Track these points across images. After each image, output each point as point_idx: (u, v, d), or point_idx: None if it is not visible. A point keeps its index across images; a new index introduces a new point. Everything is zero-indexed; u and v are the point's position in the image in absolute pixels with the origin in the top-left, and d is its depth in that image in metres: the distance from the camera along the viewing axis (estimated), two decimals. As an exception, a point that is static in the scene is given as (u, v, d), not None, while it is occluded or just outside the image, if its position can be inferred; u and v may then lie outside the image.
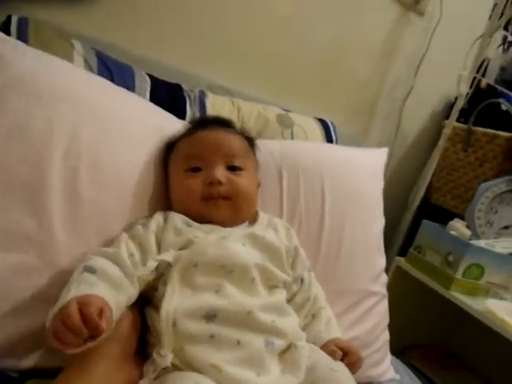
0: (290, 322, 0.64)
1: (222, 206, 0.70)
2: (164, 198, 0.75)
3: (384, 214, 0.99)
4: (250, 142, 0.82)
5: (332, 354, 0.64)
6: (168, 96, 0.98)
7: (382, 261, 0.94)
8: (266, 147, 0.89)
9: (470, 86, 1.50)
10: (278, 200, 0.86)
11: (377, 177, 1.01)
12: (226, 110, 1.04)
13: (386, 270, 0.95)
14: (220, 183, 0.70)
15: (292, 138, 1.09)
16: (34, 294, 0.57)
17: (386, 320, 0.91)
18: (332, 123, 1.24)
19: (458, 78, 1.43)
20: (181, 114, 0.97)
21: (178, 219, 0.68)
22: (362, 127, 1.55)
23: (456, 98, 1.49)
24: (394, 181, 1.58)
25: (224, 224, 0.69)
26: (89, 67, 0.88)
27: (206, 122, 0.80)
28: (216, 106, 1.04)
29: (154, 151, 0.76)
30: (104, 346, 0.50)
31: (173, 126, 0.82)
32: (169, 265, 0.61)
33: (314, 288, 0.75)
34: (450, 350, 1.60)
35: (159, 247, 0.64)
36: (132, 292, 0.57)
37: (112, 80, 0.86)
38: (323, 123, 1.21)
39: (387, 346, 0.90)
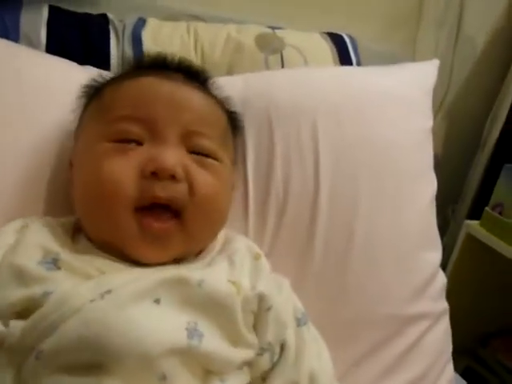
0: None
1: (165, 240, 0.40)
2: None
3: (443, 162, 0.70)
4: (232, 117, 0.51)
5: None
6: (78, 32, 0.67)
7: (432, 257, 0.57)
8: (221, 88, 0.55)
9: None
10: (241, 179, 0.54)
11: (419, 110, 0.63)
12: (176, 41, 0.71)
13: (454, 239, 0.57)
14: (173, 178, 0.39)
15: (283, 67, 0.74)
16: None
17: (448, 350, 0.56)
18: (351, 38, 0.86)
19: None
20: (101, 57, 0.67)
21: (32, 248, 0.39)
22: (404, 40, 1.15)
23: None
24: (456, 110, 1.19)
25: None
26: None
27: (159, 67, 0.48)
28: (159, 37, 0.71)
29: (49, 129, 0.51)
30: None
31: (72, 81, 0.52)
32: None
33: (309, 360, 0.42)
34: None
35: None
36: None
37: None
38: (336, 39, 0.82)
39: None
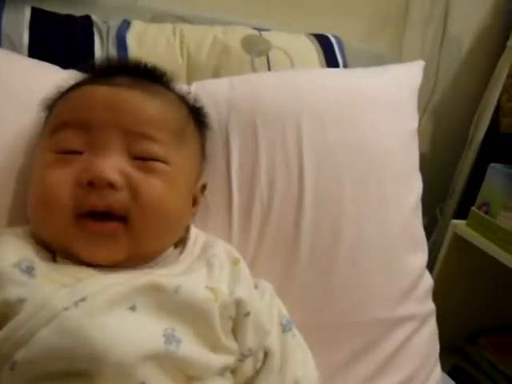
0: None
1: (108, 239, 0.39)
2: None
3: (430, 161, 0.70)
4: (196, 113, 0.50)
5: None
6: (62, 34, 0.66)
7: (418, 259, 0.57)
8: (206, 91, 0.55)
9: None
10: (225, 183, 0.53)
11: (405, 112, 0.63)
12: (162, 43, 0.70)
13: (442, 237, 0.57)
14: (111, 186, 0.38)
15: (269, 69, 0.73)
16: None
17: (435, 351, 0.57)
18: (337, 39, 0.86)
19: None
20: (85, 59, 0.64)
21: (8, 254, 0.38)
22: (391, 40, 1.14)
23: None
24: (442, 110, 1.19)
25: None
26: None
27: (109, 70, 0.48)
28: (144, 39, 0.70)
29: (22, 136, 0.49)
30: None
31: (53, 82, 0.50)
32: None
33: (292, 367, 0.42)
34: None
35: None
36: None
37: None
38: (322, 40, 0.82)
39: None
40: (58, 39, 0.65)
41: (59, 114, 0.44)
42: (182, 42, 0.71)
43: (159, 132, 0.42)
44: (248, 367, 0.40)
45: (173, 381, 0.35)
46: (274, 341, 0.42)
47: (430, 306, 0.57)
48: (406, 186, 0.58)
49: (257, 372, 0.41)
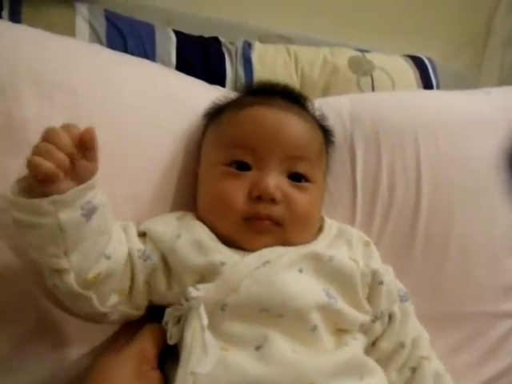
0: None
1: (266, 234, 0.48)
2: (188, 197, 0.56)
3: None
4: (327, 135, 0.57)
5: None
6: (200, 54, 0.77)
7: None
8: (330, 106, 0.63)
9: None
10: (350, 184, 0.61)
11: (505, 132, 0.68)
12: (280, 63, 0.81)
13: None
14: (273, 201, 0.48)
15: (373, 88, 0.81)
16: None
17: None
18: (430, 60, 0.93)
19: None
20: (218, 77, 0.76)
21: (201, 229, 0.48)
22: (471, 60, 1.18)
23: None
24: None
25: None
26: (95, 34, 0.70)
27: (264, 91, 0.57)
28: (265, 59, 0.80)
29: (177, 136, 0.58)
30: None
31: (203, 97, 0.60)
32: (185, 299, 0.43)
33: (411, 327, 0.50)
34: None
35: (165, 262, 0.46)
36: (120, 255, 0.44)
37: (124, 46, 0.70)
38: (417, 62, 0.90)
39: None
40: (198, 59, 0.75)
41: (235, 130, 0.51)
42: (296, 62, 0.81)
43: (310, 152, 0.52)
44: (378, 327, 0.49)
45: (330, 331, 0.44)
46: (396, 307, 0.50)
47: None
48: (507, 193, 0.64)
49: (383, 332, 0.49)
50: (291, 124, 0.51)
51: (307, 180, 0.51)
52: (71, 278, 0.39)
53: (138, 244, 0.45)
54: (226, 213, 0.48)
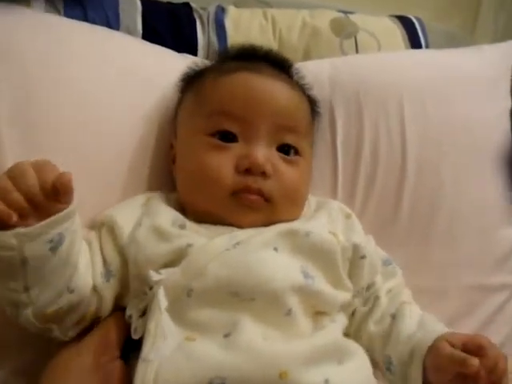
0: (357, 373, 0.38)
1: (255, 211, 0.45)
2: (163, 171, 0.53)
3: None
4: (312, 105, 0.54)
5: (457, 365, 0.36)
6: (169, 22, 0.71)
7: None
8: (308, 71, 0.58)
9: None
10: (329, 152, 0.57)
11: (499, 91, 0.64)
12: (256, 27, 0.75)
13: None
14: (264, 174, 0.44)
15: (357, 52, 0.75)
16: None
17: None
18: (419, 20, 0.86)
19: None
20: (189, 45, 0.71)
21: (163, 215, 0.44)
22: (464, 20, 1.13)
23: None
24: None
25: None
26: (53, 6, 0.64)
27: (248, 56, 0.52)
28: (240, 23, 0.74)
29: (148, 111, 0.54)
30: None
31: (171, 67, 0.56)
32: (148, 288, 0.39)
33: (390, 283, 0.48)
34: None
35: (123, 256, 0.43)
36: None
37: (84, 15, 0.64)
38: (405, 22, 0.83)
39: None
40: (166, 27, 0.70)
41: (215, 99, 0.47)
42: (273, 26, 0.75)
43: (299, 122, 0.48)
44: (357, 303, 0.47)
45: (307, 314, 0.41)
46: (378, 277, 0.48)
47: None
48: (501, 162, 0.61)
49: (369, 310, 0.46)
50: (281, 92, 0.48)
51: (296, 153, 0.47)
52: (29, 313, 0.36)
53: (100, 266, 0.42)
54: (211, 189, 0.44)
